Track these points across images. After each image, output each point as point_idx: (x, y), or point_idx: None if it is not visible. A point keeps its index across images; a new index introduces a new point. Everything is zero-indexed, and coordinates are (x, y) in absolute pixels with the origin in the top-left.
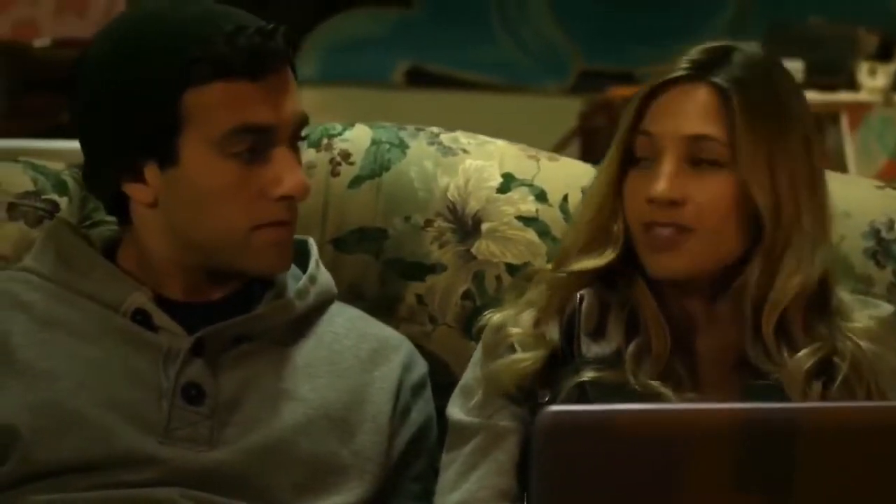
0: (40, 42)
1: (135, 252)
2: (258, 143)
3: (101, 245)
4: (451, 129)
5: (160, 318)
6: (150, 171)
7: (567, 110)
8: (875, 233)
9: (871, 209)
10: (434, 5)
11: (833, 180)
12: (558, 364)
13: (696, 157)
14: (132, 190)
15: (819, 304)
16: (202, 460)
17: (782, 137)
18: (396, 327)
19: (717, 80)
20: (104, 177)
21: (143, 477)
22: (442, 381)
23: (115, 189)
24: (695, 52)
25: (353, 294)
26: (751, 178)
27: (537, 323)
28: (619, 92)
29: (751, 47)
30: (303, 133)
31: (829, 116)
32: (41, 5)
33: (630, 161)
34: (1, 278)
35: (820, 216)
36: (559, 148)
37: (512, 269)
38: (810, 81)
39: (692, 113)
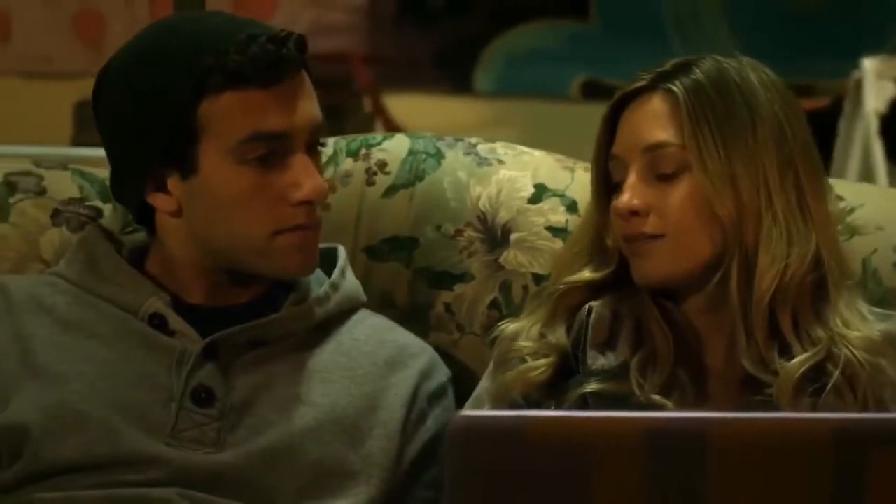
0: None
1: (160, 258)
2: (274, 150)
3: (132, 250)
4: None
5: (175, 322)
6: (173, 181)
7: None
8: None
9: None
10: (610, 18)
11: (870, 194)
12: (566, 376)
13: (658, 171)
14: (156, 200)
15: (814, 305)
16: (206, 462)
17: (741, 133)
18: (425, 335)
19: (670, 86)
20: (129, 187)
21: (147, 477)
22: (468, 389)
23: (140, 199)
24: (655, 69)
25: (384, 302)
26: (707, 177)
27: (542, 336)
28: None
29: (730, 57)
30: (330, 141)
31: None
32: None
33: (611, 186)
34: (31, 282)
35: (795, 209)
36: None
37: (539, 279)
38: None
39: (647, 123)
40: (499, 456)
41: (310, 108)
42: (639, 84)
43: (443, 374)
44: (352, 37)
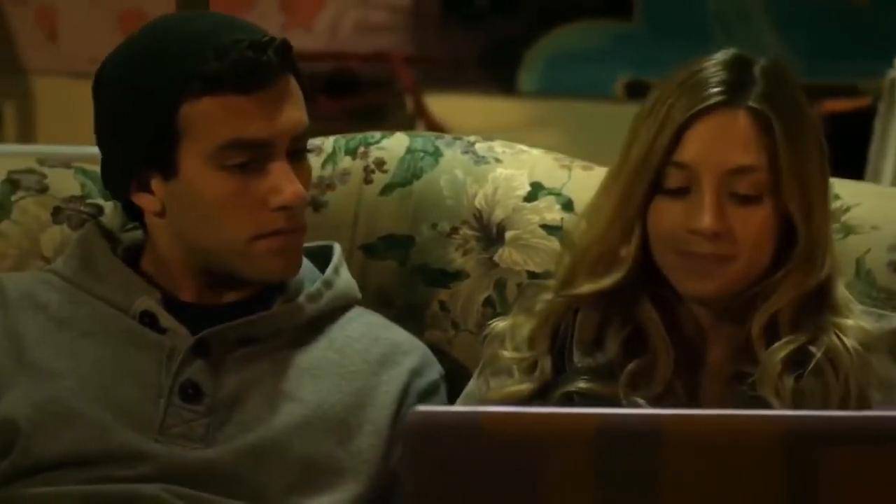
0: None
1: (153, 255)
2: (254, 157)
3: (128, 248)
4: None
5: (166, 319)
6: (156, 182)
7: None
8: None
9: None
10: (654, 18)
11: (866, 193)
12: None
13: (736, 191)
14: (141, 199)
15: (815, 304)
16: (194, 458)
17: (810, 151)
18: (421, 333)
19: (754, 104)
20: (115, 186)
21: (136, 472)
22: (462, 387)
23: (127, 198)
24: (719, 72)
25: (381, 300)
26: (792, 201)
27: (531, 341)
28: (832, 106)
29: (757, 56)
30: (330, 140)
31: None
32: (269, 20)
33: (655, 189)
34: (26, 279)
35: (830, 222)
36: None
37: (534, 277)
38: None
39: (734, 144)
40: (454, 450)
41: (293, 114)
42: (717, 100)
43: (435, 371)
44: (397, 36)
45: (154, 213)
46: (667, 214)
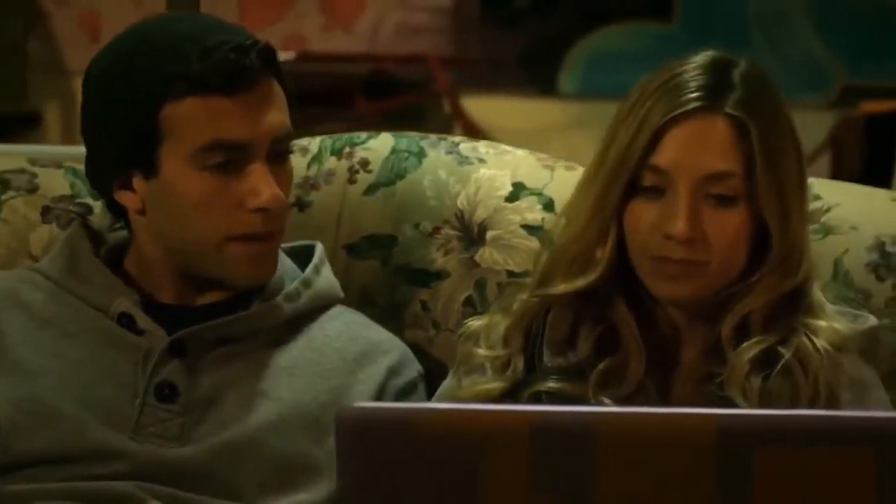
0: (285, 55)
1: (137, 255)
2: (234, 158)
3: (113, 248)
4: None
5: (143, 321)
6: (137, 180)
7: (824, 125)
8: (879, 246)
9: (880, 222)
10: (693, 20)
11: (848, 193)
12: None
13: (712, 195)
14: (123, 197)
15: (788, 306)
16: (168, 456)
17: (787, 157)
18: (402, 332)
19: (732, 111)
20: (100, 183)
21: (112, 470)
22: None
23: (111, 195)
24: (698, 76)
25: (364, 300)
26: (767, 207)
27: (506, 339)
28: (870, 107)
29: (737, 59)
30: (316, 140)
31: None
32: (309, 21)
33: (632, 190)
34: (11, 278)
35: (806, 227)
36: (808, 163)
37: (514, 277)
38: None
39: (711, 149)
40: (387, 448)
41: (273, 117)
42: (695, 105)
43: (413, 370)
44: (436, 38)
45: (136, 211)
46: (642, 217)
